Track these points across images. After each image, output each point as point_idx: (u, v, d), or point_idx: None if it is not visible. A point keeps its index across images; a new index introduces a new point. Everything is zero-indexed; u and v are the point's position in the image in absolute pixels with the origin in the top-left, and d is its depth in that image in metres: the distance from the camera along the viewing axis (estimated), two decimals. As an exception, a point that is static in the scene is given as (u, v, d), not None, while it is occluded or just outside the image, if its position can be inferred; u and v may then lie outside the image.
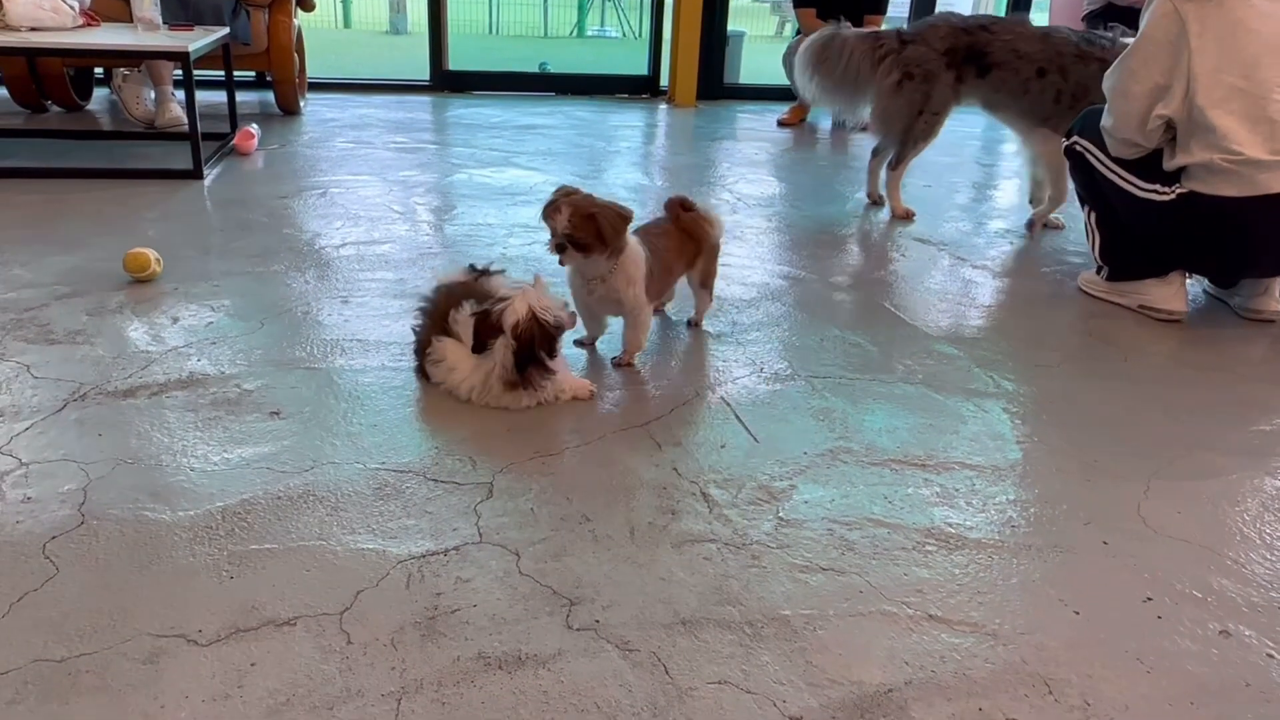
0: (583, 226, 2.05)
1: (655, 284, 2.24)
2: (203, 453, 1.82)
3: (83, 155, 4.04)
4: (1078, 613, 1.48)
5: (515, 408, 2.01)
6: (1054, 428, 2.09)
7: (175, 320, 2.43)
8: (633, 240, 2.16)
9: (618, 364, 2.25)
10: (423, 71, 6.43)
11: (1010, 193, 4.41)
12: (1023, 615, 1.47)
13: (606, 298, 2.18)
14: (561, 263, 2.13)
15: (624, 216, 2.09)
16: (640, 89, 6.61)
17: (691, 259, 2.39)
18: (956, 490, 1.81)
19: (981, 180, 4.62)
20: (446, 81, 6.38)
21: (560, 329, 2.00)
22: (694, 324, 2.52)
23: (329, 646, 1.34)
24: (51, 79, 4.88)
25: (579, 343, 2.33)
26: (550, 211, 2.07)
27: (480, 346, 2.00)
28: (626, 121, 5.72)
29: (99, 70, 5.40)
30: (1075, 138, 2.90)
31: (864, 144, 5.38)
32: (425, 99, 6.14)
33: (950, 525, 1.69)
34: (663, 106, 6.29)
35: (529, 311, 1.95)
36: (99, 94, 5.37)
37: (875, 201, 3.96)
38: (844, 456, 1.91)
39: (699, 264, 2.41)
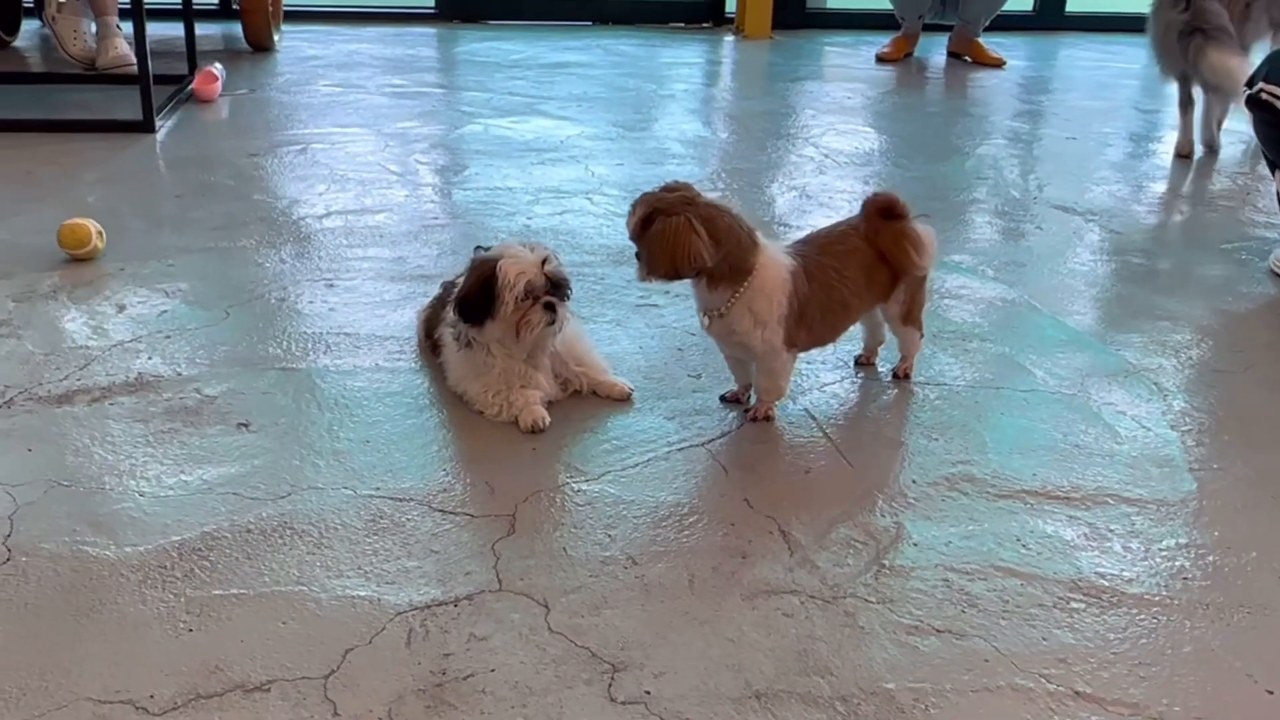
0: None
1: (815, 327, 2.03)
2: (155, 474, 1.85)
3: (8, 103, 4.13)
4: (1271, 692, 1.45)
5: (527, 414, 2.02)
6: (1239, 451, 2.04)
7: (121, 308, 2.47)
8: (776, 261, 1.96)
9: (752, 418, 2.08)
10: (426, -4, 6.49)
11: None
12: (1199, 694, 1.44)
13: (725, 336, 2.02)
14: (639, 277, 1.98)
15: (721, 231, 1.87)
16: (700, 17, 6.61)
17: (885, 290, 2.13)
18: (1111, 531, 1.78)
19: (1141, 131, 4.55)
20: (456, 9, 6.43)
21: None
22: (901, 375, 2.27)
23: (311, 718, 1.35)
24: (-30, 9, 4.99)
25: (725, 398, 2.15)
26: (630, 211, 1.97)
27: (476, 313, 1.99)
28: (682, 58, 5.73)
29: (28, -2, 5.52)
30: (1261, 84, 2.85)
31: (986, 83, 5.32)
32: (429, 31, 6.19)
33: (1102, 576, 1.67)
34: (729, 39, 6.29)
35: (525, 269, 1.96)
36: (29, 27, 5.50)
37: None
38: (964, 486, 1.89)
39: (897, 295, 2.15)
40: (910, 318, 2.21)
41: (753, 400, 2.12)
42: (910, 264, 2.09)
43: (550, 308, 1.99)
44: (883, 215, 2.09)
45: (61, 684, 1.38)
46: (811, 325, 2.02)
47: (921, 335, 2.25)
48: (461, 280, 2.08)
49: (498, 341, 2.02)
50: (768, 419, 2.08)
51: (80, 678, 1.40)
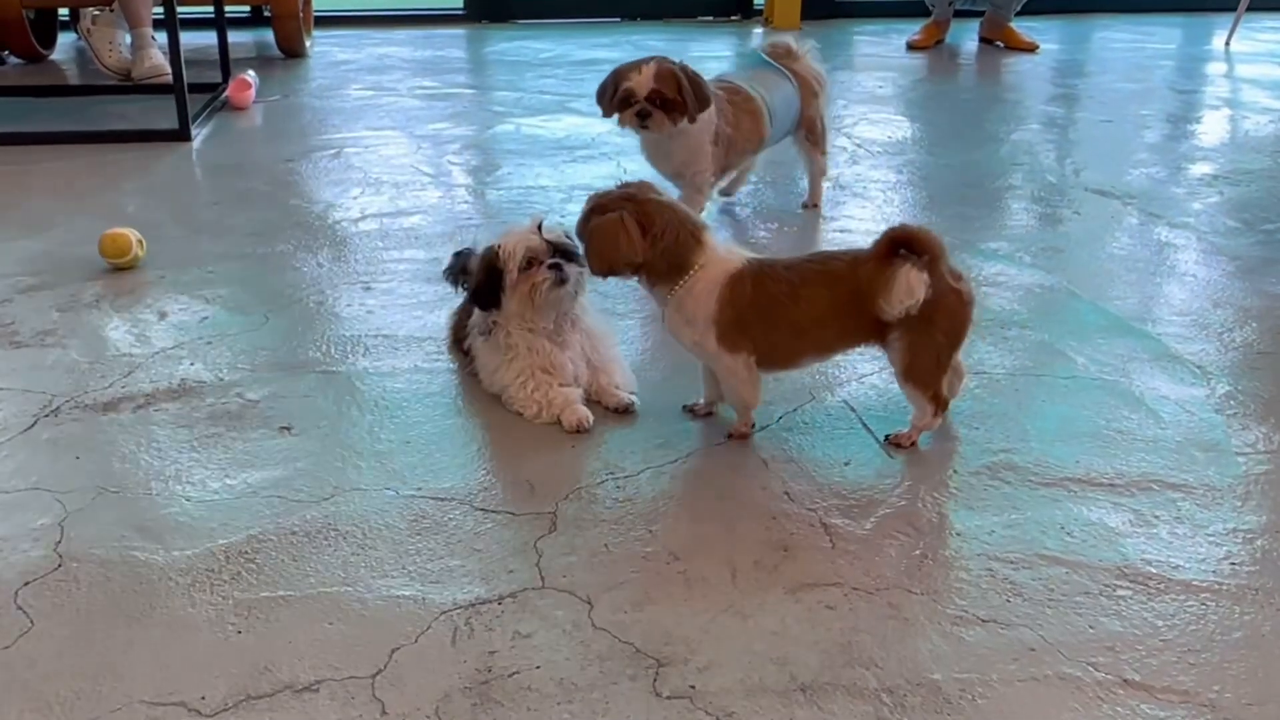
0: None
1: (759, 341, 1.90)
2: (200, 478, 1.87)
3: (47, 116, 4.18)
4: (1325, 677, 1.43)
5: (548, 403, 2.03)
6: (1286, 434, 2.03)
7: (162, 316, 2.50)
8: (718, 262, 1.89)
9: (728, 435, 2.00)
10: (455, -3, 6.51)
11: (1218, 127, 4.27)
12: (1250, 681, 1.42)
13: (673, 334, 1.99)
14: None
15: (658, 227, 1.87)
16: (728, 9, 6.59)
17: (864, 329, 1.91)
18: (1156, 517, 1.77)
19: (1178, 112, 4.50)
20: (485, 9, 6.45)
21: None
22: (892, 441, 1.98)
23: (359, 717, 1.36)
24: (8, 24, 5.06)
25: (689, 409, 2.08)
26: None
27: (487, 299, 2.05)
28: (712, 51, 5.71)
29: (63, 11, 5.59)
30: None
31: (1020, 68, 5.28)
32: (459, 32, 6.22)
33: (1149, 563, 1.65)
34: (758, 30, 6.27)
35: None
36: (64, 40, 5.57)
37: None
38: (1006, 474, 1.88)
39: (893, 342, 1.90)
40: (913, 376, 1.92)
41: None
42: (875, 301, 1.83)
43: (556, 267, 2.01)
44: (894, 249, 1.84)
45: (115, 687, 1.41)
46: (754, 337, 1.90)
47: (936, 411, 1.95)
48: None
49: (517, 317, 2.04)
50: (742, 437, 2.00)
51: (133, 681, 1.42)
